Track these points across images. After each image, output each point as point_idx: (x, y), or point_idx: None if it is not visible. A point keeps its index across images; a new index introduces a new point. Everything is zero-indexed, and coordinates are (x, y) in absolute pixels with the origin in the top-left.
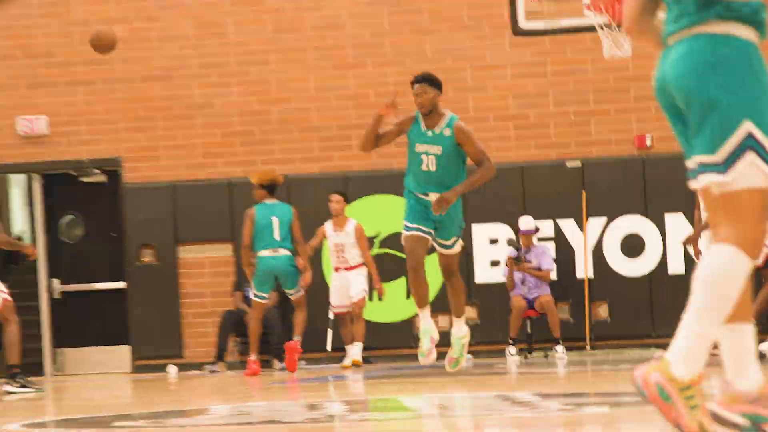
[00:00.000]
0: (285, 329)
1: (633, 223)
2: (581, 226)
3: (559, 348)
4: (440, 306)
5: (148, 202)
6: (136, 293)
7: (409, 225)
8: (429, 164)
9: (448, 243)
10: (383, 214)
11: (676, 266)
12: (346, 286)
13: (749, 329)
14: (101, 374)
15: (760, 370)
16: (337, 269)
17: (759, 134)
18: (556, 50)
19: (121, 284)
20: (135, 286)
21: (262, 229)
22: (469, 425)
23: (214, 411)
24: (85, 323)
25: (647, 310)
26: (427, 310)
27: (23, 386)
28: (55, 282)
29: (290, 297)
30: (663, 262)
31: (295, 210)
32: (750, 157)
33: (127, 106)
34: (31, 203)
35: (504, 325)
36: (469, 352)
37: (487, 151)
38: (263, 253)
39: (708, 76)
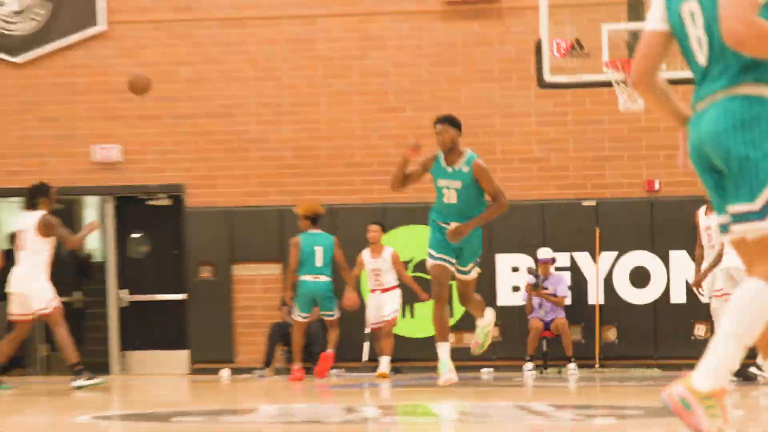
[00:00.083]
0: (326, 341)
1: (640, 258)
2: (594, 259)
3: (572, 365)
4: (464, 326)
5: (207, 225)
6: (195, 304)
7: (434, 254)
8: (450, 197)
9: (466, 269)
10: (417, 242)
11: (677, 297)
12: (381, 306)
13: None
14: (162, 375)
15: None
16: (373, 290)
17: None
18: (576, 102)
19: (181, 296)
20: (194, 298)
21: (307, 257)
22: (491, 429)
23: (262, 411)
24: (149, 330)
25: (651, 334)
26: (446, 346)
27: (89, 378)
28: (123, 292)
29: (325, 318)
30: (666, 293)
31: (336, 239)
32: None
33: (191, 139)
34: (103, 223)
35: (522, 344)
36: (490, 366)
37: (511, 188)
38: (305, 277)
39: (745, 133)
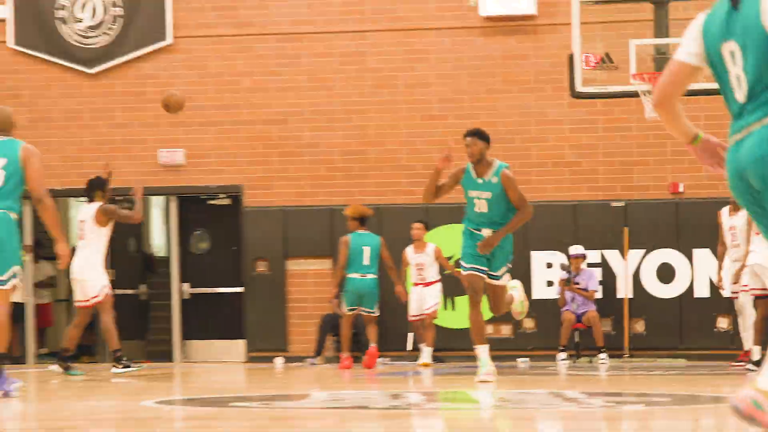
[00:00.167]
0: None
1: (666, 255)
2: (623, 256)
3: (602, 355)
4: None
5: (263, 223)
6: (251, 297)
7: (466, 266)
8: (481, 207)
9: (497, 274)
10: (458, 240)
11: (701, 291)
12: (423, 299)
13: None
14: (220, 363)
15: None
16: (416, 284)
17: None
18: (606, 110)
19: (239, 289)
20: (250, 291)
21: (355, 255)
22: (526, 416)
23: (314, 397)
24: (209, 320)
25: (676, 326)
26: (485, 347)
27: (126, 366)
28: (185, 285)
29: (364, 314)
30: (690, 288)
31: (383, 240)
32: None
33: (249, 144)
34: (167, 221)
35: (556, 335)
36: (525, 356)
37: (545, 190)
38: (353, 275)
39: None
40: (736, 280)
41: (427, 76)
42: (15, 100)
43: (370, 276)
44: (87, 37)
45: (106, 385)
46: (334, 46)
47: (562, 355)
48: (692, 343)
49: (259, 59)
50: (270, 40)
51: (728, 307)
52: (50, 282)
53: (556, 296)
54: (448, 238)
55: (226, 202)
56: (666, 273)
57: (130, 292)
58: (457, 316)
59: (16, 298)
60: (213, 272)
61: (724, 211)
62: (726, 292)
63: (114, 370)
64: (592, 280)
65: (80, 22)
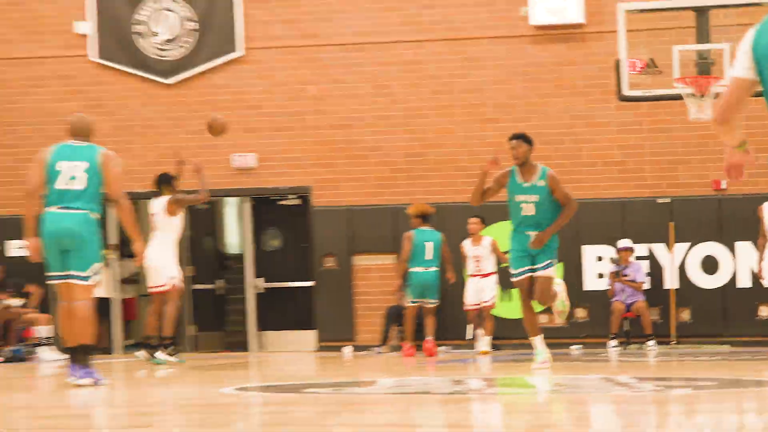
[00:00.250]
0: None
1: (710, 248)
2: (669, 249)
3: (651, 342)
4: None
5: (331, 222)
6: (321, 290)
7: (515, 271)
8: (528, 210)
9: (543, 265)
10: None
11: (743, 282)
12: (480, 290)
13: None
14: (293, 352)
15: None
16: (473, 276)
17: None
18: (651, 112)
19: (309, 283)
20: (320, 285)
21: (418, 250)
22: (580, 400)
23: (381, 383)
24: (282, 312)
25: (720, 315)
26: (539, 337)
27: (170, 355)
28: (259, 280)
29: (425, 305)
30: (733, 279)
31: (443, 236)
32: None
33: (317, 147)
34: (241, 221)
35: (607, 324)
36: (578, 344)
37: (594, 188)
38: (416, 269)
39: None
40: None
41: (482, 82)
42: (98, 110)
43: (432, 269)
44: (164, 50)
45: (188, 373)
46: (395, 55)
47: (613, 342)
48: (735, 330)
49: (324, 68)
50: (334, 51)
51: None
52: (134, 278)
53: (607, 287)
54: (504, 234)
55: (296, 202)
56: (710, 265)
57: (208, 286)
58: (513, 307)
59: (100, 293)
60: (284, 268)
61: (765, 205)
62: (766, 282)
63: (158, 354)
64: (640, 272)
65: (157, 36)
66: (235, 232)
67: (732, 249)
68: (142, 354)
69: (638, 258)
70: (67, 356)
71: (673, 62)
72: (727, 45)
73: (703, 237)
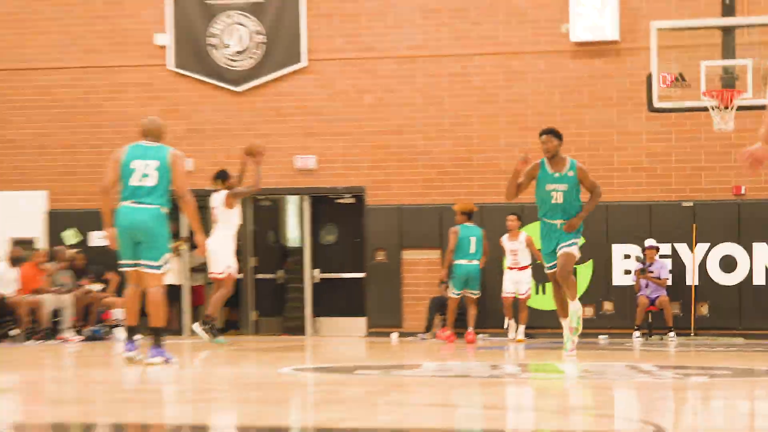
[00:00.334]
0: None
1: (728, 248)
2: (691, 249)
3: (672, 334)
4: (585, 301)
5: (382, 219)
6: (372, 281)
7: (547, 266)
8: (557, 198)
9: (566, 243)
10: None
11: (759, 280)
12: (517, 282)
13: None
14: (345, 337)
15: None
16: (510, 268)
17: None
18: (678, 123)
19: (361, 274)
20: (371, 276)
21: (463, 244)
22: (607, 385)
23: (425, 366)
24: (336, 300)
25: (736, 310)
26: (567, 321)
27: (205, 331)
28: (316, 271)
29: (469, 295)
30: (750, 276)
31: (484, 232)
32: None
33: (371, 151)
34: (301, 217)
35: (632, 316)
36: (605, 334)
37: (624, 191)
38: (461, 261)
39: None
40: None
41: (524, 93)
42: (174, 114)
43: (475, 262)
44: (234, 61)
45: (250, 354)
46: (444, 67)
47: (637, 333)
48: (750, 324)
49: (379, 79)
50: (389, 63)
51: None
52: (202, 267)
53: (632, 283)
54: (539, 233)
55: (351, 200)
56: (728, 264)
57: (269, 276)
58: (547, 300)
59: (170, 280)
60: (339, 260)
61: None
62: None
63: (196, 326)
64: (663, 269)
65: (229, 48)
66: (296, 227)
67: (749, 250)
68: (201, 331)
69: (662, 256)
70: (135, 335)
71: (701, 76)
72: (750, 61)
73: (723, 238)
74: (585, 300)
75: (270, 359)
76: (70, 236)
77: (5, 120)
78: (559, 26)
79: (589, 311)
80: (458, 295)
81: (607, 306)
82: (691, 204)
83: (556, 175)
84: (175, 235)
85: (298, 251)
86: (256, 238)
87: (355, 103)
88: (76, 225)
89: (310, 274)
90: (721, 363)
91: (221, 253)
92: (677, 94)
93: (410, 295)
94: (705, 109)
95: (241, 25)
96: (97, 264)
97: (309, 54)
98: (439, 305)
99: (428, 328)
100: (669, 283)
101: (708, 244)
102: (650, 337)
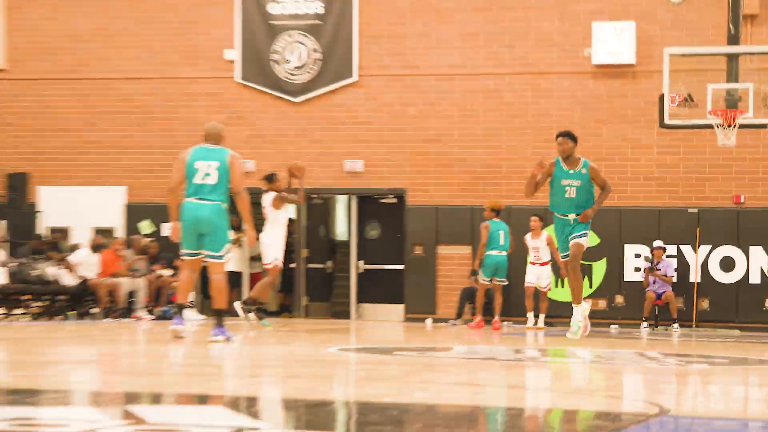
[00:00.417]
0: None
1: (728, 251)
2: (695, 250)
3: (675, 325)
4: (599, 294)
5: (421, 217)
6: (410, 272)
7: (563, 254)
8: (571, 193)
9: (578, 234)
10: None
11: (754, 278)
12: (539, 276)
13: None
14: (385, 322)
15: None
16: (533, 263)
17: None
18: (686, 138)
19: (400, 266)
20: (409, 268)
21: (494, 238)
22: (617, 369)
23: (456, 349)
24: (378, 289)
25: (734, 305)
26: (579, 307)
27: (244, 311)
28: (360, 262)
29: (497, 282)
30: (746, 276)
31: (510, 227)
32: None
33: (412, 157)
34: (349, 214)
35: (640, 309)
36: (616, 324)
37: (636, 198)
38: (491, 252)
39: None
40: None
41: (549, 109)
42: (239, 121)
43: (504, 253)
44: (293, 75)
45: (300, 334)
46: (479, 84)
47: (645, 324)
48: (745, 318)
49: (421, 93)
50: (430, 80)
51: None
52: (260, 256)
53: (642, 279)
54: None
55: (393, 201)
56: (727, 264)
57: (319, 266)
58: (565, 292)
59: (231, 267)
60: (381, 253)
61: None
62: None
63: (237, 304)
64: (669, 267)
65: (289, 63)
66: (343, 223)
67: (747, 252)
68: (252, 315)
69: (669, 256)
70: (183, 312)
71: (707, 97)
72: (751, 84)
73: (723, 241)
74: (599, 294)
75: (318, 340)
76: (145, 227)
77: (91, 123)
78: (582, 50)
79: (603, 303)
80: (488, 282)
81: (619, 299)
82: (696, 210)
83: (571, 171)
84: (237, 228)
85: (345, 244)
86: (308, 232)
87: (399, 114)
88: (151, 217)
89: (356, 265)
90: (720, 352)
91: (270, 247)
92: (685, 113)
93: (444, 286)
94: (710, 126)
95: (301, 43)
96: (168, 252)
97: (359, 70)
98: (469, 295)
99: (459, 315)
100: (674, 280)
101: (710, 246)
102: (656, 327)
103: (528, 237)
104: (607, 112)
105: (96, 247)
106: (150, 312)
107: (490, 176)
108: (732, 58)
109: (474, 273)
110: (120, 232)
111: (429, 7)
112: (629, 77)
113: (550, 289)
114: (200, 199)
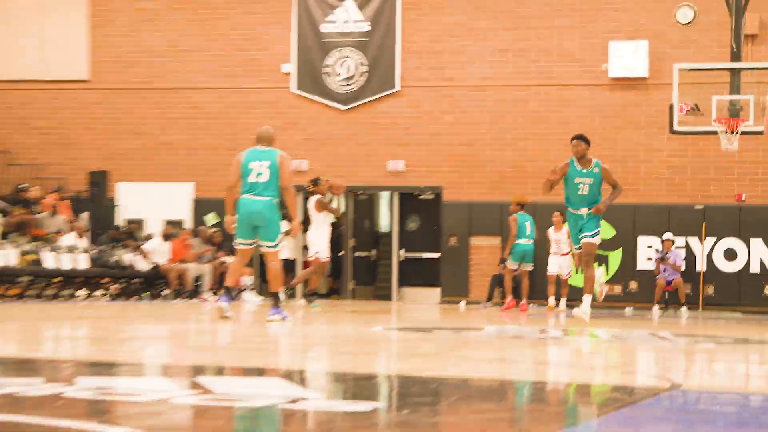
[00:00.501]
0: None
1: (731, 242)
2: (701, 242)
3: (684, 309)
4: (615, 280)
5: (455, 212)
6: (446, 260)
7: (575, 246)
8: (584, 190)
9: (590, 234)
10: None
11: (755, 268)
12: (560, 265)
13: None
14: (423, 303)
15: None
16: (554, 254)
17: None
18: (693, 142)
19: (437, 255)
20: (445, 256)
21: (521, 228)
22: (631, 346)
23: (487, 329)
24: (416, 274)
25: (736, 291)
26: (589, 296)
27: (309, 302)
28: (402, 251)
29: (524, 268)
30: (747, 265)
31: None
32: None
33: (449, 158)
34: (391, 209)
35: (652, 294)
36: (631, 306)
37: (648, 195)
38: (520, 241)
39: None
40: None
41: (570, 117)
42: (295, 126)
43: (531, 242)
44: (343, 86)
45: (348, 315)
46: (508, 94)
47: (656, 307)
48: (746, 303)
49: (457, 102)
50: (464, 90)
51: None
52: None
53: (653, 268)
54: None
55: (431, 197)
56: (730, 254)
57: (365, 254)
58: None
59: (285, 255)
60: (420, 243)
61: None
62: None
63: (302, 300)
64: (678, 257)
65: (339, 75)
66: (386, 216)
67: (748, 244)
68: (302, 301)
69: (678, 247)
70: (230, 293)
71: (712, 107)
72: (752, 96)
73: (726, 234)
74: (615, 280)
75: (363, 320)
76: (210, 219)
77: (164, 127)
78: (600, 65)
79: (618, 289)
80: (515, 268)
81: (633, 285)
82: (702, 207)
83: (584, 170)
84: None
85: (388, 235)
86: (355, 224)
87: (437, 121)
88: (215, 210)
89: (397, 254)
90: (724, 333)
91: (313, 242)
92: (692, 121)
93: (475, 272)
94: (714, 132)
95: (349, 57)
96: (231, 241)
97: (401, 81)
98: (498, 281)
99: (489, 298)
100: (682, 268)
101: (714, 239)
102: (667, 310)
103: (551, 230)
104: (623, 120)
105: (167, 237)
106: (214, 294)
107: (517, 176)
108: (734, 73)
109: (503, 261)
110: (188, 224)
111: (463, 26)
112: (642, 89)
113: (570, 276)
114: (255, 195)
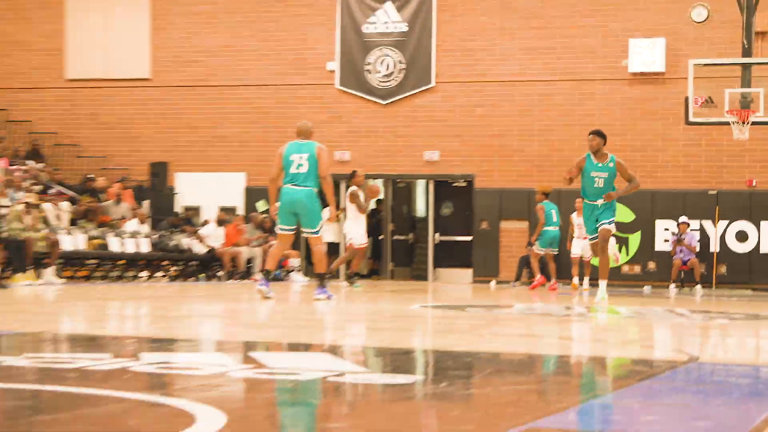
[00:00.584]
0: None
1: (742, 225)
2: (714, 224)
3: (699, 287)
4: (635, 261)
5: (487, 198)
6: (478, 243)
7: (591, 236)
8: (599, 183)
9: (606, 221)
10: None
11: (765, 249)
12: (582, 247)
13: None
14: (456, 283)
15: None
16: (577, 238)
17: None
18: (707, 132)
19: (469, 238)
20: (477, 239)
21: (548, 216)
22: (650, 322)
23: (516, 307)
24: (450, 256)
25: (747, 270)
26: (604, 282)
27: (351, 284)
28: (437, 235)
29: (550, 252)
30: (758, 246)
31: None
32: None
33: (480, 149)
34: (427, 195)
35: (669, 273)
36: (649, 285)
37: (665, 182)
38: (549, 228)
39: None
40: None
41: (593, 109)
42: (338, 120)
43: (557, 228)
44: (382, 82)
45: (387, 294)
46: (535, 89)
47: (673, 286)
48: (757, 281)
49: (487, 96)
50: (495, 85)
51: None
52: None
53: (670, 249)
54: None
55: (464, 184)
56: (742, 236)
57: (402, 237)
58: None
59: (329, 238)
60: (454, 227)
61: None
62: None
63: (345, 282)
64: (694, 239)
65: (379, 72)
66: (422, 202)
67: (758, 226)
68: (345, 283)
69: (693, 229)
70: (269, 276)
71: (725, 100)
72: (762, 89)
73: (738, 217)
74: (634, 260)
75: (402, 298)
76: (261, 206)
77: (218, 122)
78: (620, 61)
79: (637, 269)
80: (542, 252)
81: (651, 265)
82: (715, 192)
83: (600, 165)
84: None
85: (424, 220)
86: (393, 210)
87: (469, 114)
88: (265, 198)
89: (433, 237)
90: (736, 309)
91: (349, 231)
92: (706, 112)
93: (505, 254)
94: (727, 123)
95: (389, 56)
96: None
97: (437, 78)
98: (526, 262)
99: (517, 278)
100: (697, 249)
101: (727, 221)
102: (683, 288)
103: (574, 216)
104: (641, 112)
105: (221, 222)
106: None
107: (544, 165)
108: (745, 67)
109: (530, 244)
110: (240, 210)
111: (494, 26)
112: (659, 83)
113: (592, 258)
114: (296, 185)
